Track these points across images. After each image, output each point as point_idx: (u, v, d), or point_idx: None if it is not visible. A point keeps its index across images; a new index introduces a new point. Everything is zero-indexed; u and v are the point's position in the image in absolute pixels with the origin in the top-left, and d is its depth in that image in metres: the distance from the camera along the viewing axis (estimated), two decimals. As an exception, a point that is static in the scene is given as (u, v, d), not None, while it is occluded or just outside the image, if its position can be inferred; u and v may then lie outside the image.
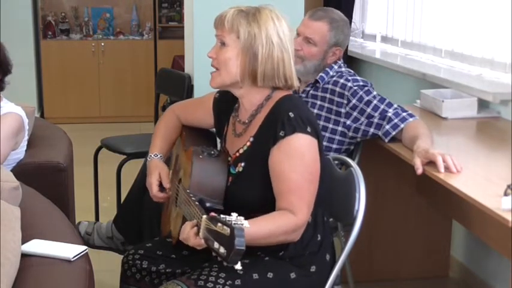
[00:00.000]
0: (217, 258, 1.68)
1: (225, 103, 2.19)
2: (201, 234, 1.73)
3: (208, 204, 1.94)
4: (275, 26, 1.98)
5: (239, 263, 1.62)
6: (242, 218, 1.65)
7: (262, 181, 1.96)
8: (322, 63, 2.81)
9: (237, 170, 2.04)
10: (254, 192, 1.99)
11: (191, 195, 1.91)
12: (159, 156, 2.29)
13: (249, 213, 1.85)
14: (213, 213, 1.73)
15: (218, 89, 2.16)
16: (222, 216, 1.67)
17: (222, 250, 1.62)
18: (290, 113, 1.94)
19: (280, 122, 1.94)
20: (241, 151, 2.05)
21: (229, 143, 2.14)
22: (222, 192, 2.02)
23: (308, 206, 1.94)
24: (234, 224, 1.62)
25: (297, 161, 1.92)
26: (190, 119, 2.34)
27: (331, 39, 2.78)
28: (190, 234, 1.80)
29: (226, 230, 1.61)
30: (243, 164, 2.03)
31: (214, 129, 2.31)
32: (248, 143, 2.04)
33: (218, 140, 2.29)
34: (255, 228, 1.78)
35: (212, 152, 2.07)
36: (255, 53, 1.96)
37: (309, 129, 1.94)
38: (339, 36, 2.81)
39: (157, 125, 2.41)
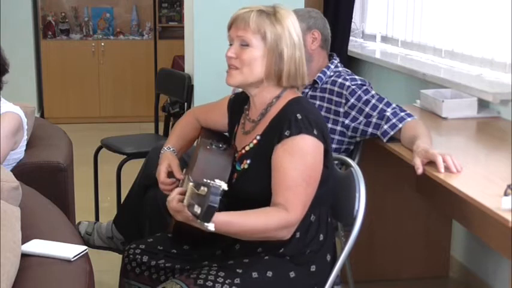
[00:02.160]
0: (216, 257, 1.69)
1: (239, 104, 2.22)
2: (185, 201, 1.77)
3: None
4: (294, 26, 2.03)
5: (212, 225, 1.68)
6: (223, 182, 1.69)
7: (266, 179, 1.97)
8: (307, 52, 2.74)
9: (242, 167, 2.06)
10: (258, 189, 2.00)
11: (191, 179, 1.92)
12: (171, 149, 2.31)
13: (253, 208, 1.88)
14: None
15: (235, 87, 2.14)
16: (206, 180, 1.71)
17: (198, 210, 1.67)
18: (298, 115, 1.96)
19: (287, 122, 1.96)
20: (247, 148, 2.08)
21: (238, 140, 2.17)
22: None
23: (303, 206, 1.95)
24: (212, 184, 1.66)
25: (298, 159, 1.93)
26: (208, 120, 2.37)
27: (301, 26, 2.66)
28: (174, 202, 1.84)
29: (204, 190, 1.66)
30: (248, 161, 2.05)
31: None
32: (255, 141, 2.06)
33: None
34: (243, 218, 1.84)
35: (220, 146, 2.10)
36: (281, 54, 1.99)
37: (315, 132, 1.95)
38: (307, 21, 2.77)
39: (175, 126, 2.44)
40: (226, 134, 2.34)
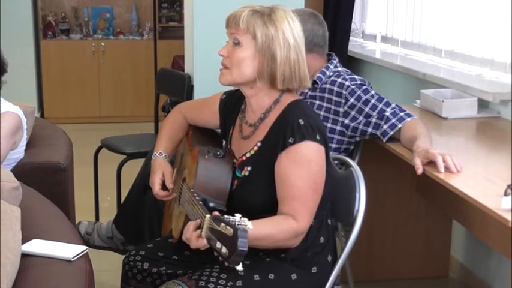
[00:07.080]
0: (219, 259, 1.68)
1: (232, 105, 2.19)
2: (203, 233, 1.72)
3: (211, 205, 1.95)
4: (290, 27, 1.98)
5: (240, 264, 1.62)
6: (246, 219, 1.64)
7: (268, 186, 1.96)
8: None
9: (243, 174, 2.04)
10: (259, 196, 1.99)
11: (195, 194, 1.91)
12: (163, 155, 2.29)
13: (253, 216, 1.85)
14: (216, 213, 1.72)
15: (227, 86, 2.11)
16: (225, 216, 1.66)
17: (224, 250, 1.62)
18: (300, 120, 1.94)
19: (289, 128, 1.94)
20: (248, 155, 2.05)
21: (235, 144, 2.14)
22: (226, 194, 2.02)
23: (310, 214, 1.94)
24: (238, 224, 1.61)
25: (303, 168, 1.91)
26: (197, 119, 2.34)
27: None
28: (193, 236, 1.79)
29: (230, 231, 1.60)
30: (249, 168, 2.02)
31: (219, 130, 2.30)
32: (255, 148, 2.04)
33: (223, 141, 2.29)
34: (255, 230, 1.76)
35: (218, 153, 2.07)
36: (273, 55, 1.96)
37: (318, 137, 1.94)
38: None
39: (163, 124, 2.40)
40: (218, 130, 2.32)
